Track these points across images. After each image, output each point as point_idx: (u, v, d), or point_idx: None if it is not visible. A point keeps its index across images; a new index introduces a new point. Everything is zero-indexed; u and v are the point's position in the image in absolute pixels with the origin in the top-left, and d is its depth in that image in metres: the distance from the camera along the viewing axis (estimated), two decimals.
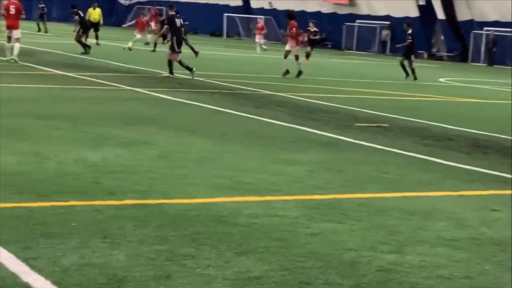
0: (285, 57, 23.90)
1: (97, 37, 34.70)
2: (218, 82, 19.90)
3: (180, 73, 21.35)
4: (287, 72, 23.35)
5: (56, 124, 10.96)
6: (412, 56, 26.00)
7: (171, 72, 20.80)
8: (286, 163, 9.05)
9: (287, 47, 24.22)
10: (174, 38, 20.97)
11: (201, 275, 4.91)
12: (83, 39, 28.96)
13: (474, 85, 26.90)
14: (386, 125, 13.54)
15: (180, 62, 20.82)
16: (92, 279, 4.71)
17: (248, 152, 9.71)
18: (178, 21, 21.24)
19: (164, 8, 41.83)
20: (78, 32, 29.28)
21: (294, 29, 24.27)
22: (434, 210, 7.20)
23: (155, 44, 32.65)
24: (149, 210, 6.47)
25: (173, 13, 21.65)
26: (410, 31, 26.22)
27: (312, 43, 32.76)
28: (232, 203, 6.93)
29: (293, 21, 24.50)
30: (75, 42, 28.89)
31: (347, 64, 35.87)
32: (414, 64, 26.04)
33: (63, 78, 18.59)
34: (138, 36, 34.16)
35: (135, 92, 16.41)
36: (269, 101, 16.45)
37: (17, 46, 21.82)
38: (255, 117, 13.34)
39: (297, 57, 23.93)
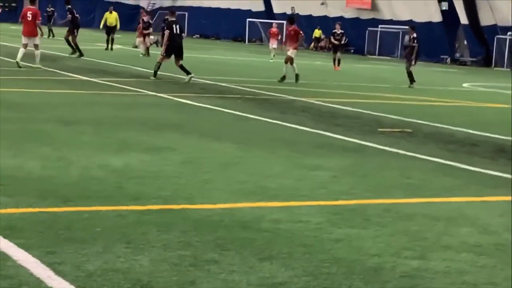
0: (286, 62, 23.50)
1: (112, 41, 34.59)
2: (241, 87, 19.93)
3: (203, 78, 21.40)
4: (297, 75, 23.06)
5: (80, 129, 11.02)
6: (414, 61, 25.43)
7: (187, 73, 20.78)
8: (310, 169, 9.03)
9: (289, 53, 23.77)
10: (168, 43, 21.05)
11: (225, 281, 4.91)
12: (73, 39, 28.19)
13: (498, 90, 26.72)
14: (409, 130, 13.47)
15: (158, 65, 20.91)
16: (116, 284, 4.72)
17: (272, 158, 9.70)
18: (176, 27, 21.26)
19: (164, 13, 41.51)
20: (70, 31, 28.41)
21: (296, 34, 23.95)
22: (459, 215, 7.16)
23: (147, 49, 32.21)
24: (172, 215, 6.48)
25: (173, 19, 21.79)
26: (414, 35, 25.79)
27: (337, 47, 32.05)
28: (255, 208, 6.93)
29: (294, 25, 24.35)
30: (66, 40, 28.32)
31: (370, 69, 35.78)
32: (413, 68, 25.32)
33: (87, 84, 18.71)
34: (139, 39, 33.70)
35: (158, 97, 16.47)
36: (292, 106, 16.44)
37: (37, 53, 21.92)
38: (278, 122, 13.33)
39: (292, 61, 23.37)
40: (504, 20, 46.26)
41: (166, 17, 22.63)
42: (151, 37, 33.47)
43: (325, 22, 54.27)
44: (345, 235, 6.15)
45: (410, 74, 25.03)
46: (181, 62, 20.93)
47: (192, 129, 11.84)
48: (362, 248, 5.83)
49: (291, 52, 23.70)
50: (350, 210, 7.09)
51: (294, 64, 23.42)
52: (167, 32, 21.28)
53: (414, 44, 25.37)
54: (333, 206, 7.23)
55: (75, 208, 6.47)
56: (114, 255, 5.25)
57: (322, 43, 56.15)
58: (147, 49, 32.47)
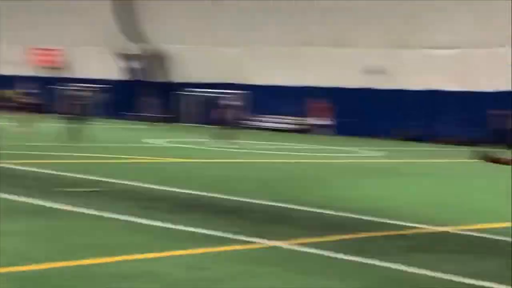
0: None
1: None
2: None
3: None
4: None
5: None
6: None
7: None
8: None
9: None
10: None
11: None
12: None
13: (182, 145, 27.68)
14: (96, 189, 13.41)
15: None
16: None
17: None
18: None
19: None
20: None
21: None
22: (145, 273, 7.21)
23: None
24: None
25: None
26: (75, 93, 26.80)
27: (26, 108, 31.52)
28: None
29: None
30: None
31: (57, 128, 35.25)
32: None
33: None
34: None
35: None
36: None
37: None
38: None
39: None
40: (190, 77, 48.29)
41: None
42: None
43: (14, 81, 52.80)
44: None
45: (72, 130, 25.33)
46: None
47: None
48: None
49: None
50: (34, 277, 6.84)
51: None
52: None
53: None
54: (15, 273, 6.91)
55: None
56: None
57: (9, 103, 54.33)
58: None
